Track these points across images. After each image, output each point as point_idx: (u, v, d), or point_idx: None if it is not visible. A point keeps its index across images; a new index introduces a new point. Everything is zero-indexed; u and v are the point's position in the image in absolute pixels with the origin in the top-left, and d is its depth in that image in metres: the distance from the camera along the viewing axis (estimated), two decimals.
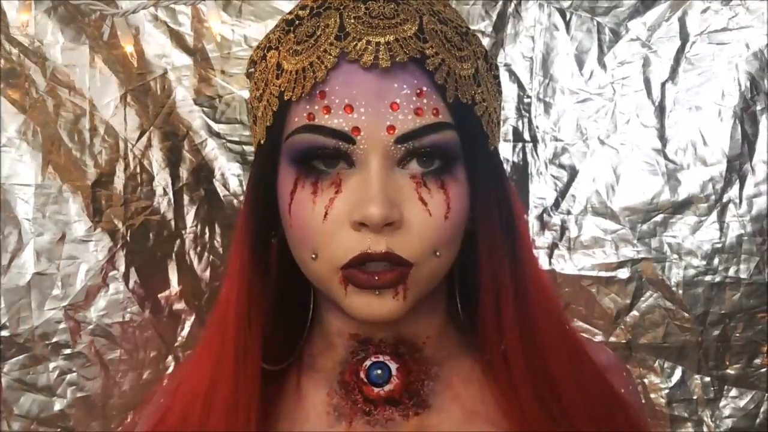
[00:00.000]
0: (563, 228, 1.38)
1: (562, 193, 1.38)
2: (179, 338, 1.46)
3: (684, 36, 1.35)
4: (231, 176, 1.45)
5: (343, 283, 0.75)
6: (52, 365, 1.43)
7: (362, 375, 0.79)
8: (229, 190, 1.45)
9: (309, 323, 0.85)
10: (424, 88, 0.74)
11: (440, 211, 0.75)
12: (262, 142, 0.79)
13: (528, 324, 0.80)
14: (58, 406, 1.43)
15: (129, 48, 1.42)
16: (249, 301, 0.80)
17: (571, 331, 0.86)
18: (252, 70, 0.81)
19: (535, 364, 0.79)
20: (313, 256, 0.75)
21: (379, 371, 0.79)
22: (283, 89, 0.75)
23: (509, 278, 0.80)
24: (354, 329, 0.81)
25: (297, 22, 0.76)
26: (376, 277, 0.73)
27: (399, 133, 0.73)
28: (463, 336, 0.85)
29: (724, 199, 1.35)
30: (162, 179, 1.45)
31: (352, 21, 0.73)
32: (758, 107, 1.34)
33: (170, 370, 1.45)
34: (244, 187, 1.44)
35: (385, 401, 0.79)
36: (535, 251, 1.30)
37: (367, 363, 0.79)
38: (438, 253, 0.75)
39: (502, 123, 0.82)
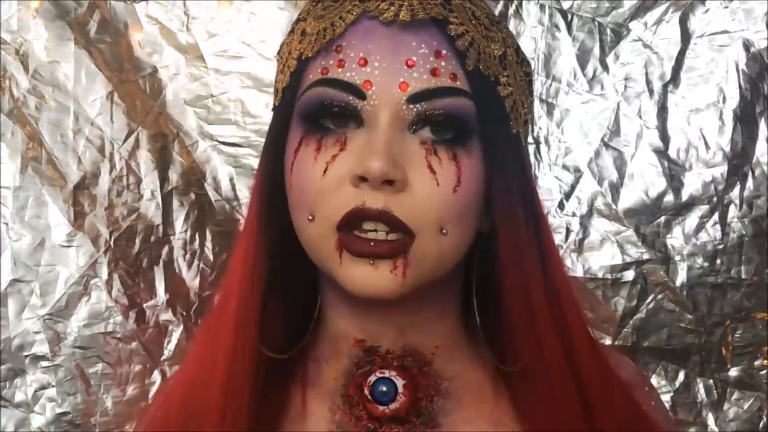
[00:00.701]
0: (568, 230, 1.37)
1: (567, 195, 1.37)
2: (166, 351, 1.39)
3: (685, 37, 1.36)
4: (224, 180, 1.39)
5: (338, 249, 0.71)
6: (29, 379, 1.34)
7: (366, 392, 0.75)
8: (221, 195, 1.40)
9: (316, 320, 0.81)
10: (444, 51, 0.72)
11: (449, 182, 0.72)
12: (276, 104, 0.78)
13: (562, 335, 0.76)
14: (36, 423, 1.34)
15: (138, 36, 1.36)
16: (251, 284, 0.76)
17: (597, 343, 0.83)
18: (279, 53, 0.80)
19: (567, 379, 0.75)
20: (310, 217, 0.72)
21: (384, 388, 0.75)
22: (302, 51, 0.74)
23: (540, 283, 0.76)
24: (358, 331, 0.78)
25: None
26: (372, 244, 0.70)
27: (412, 91, 0.71)
28: (475, 347, 0.81)
29: (726, 201, 1.36)
30: (150, 182, 1.39)
31: None
32: (758, 109, 1.35)
33: (156, 385, 1.37)
34: (237, 192, 1.40)
35: (390, 419, 0.74)
36: None
37: (372, 378, 0.75)
38: (444, 230, 0.72)
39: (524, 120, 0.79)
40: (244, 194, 1.39)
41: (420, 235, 0.71)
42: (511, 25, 1.37)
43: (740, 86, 1.35)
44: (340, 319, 0.79)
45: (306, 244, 0.75)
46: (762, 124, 1.36)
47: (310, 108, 0.73)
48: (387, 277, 0.71)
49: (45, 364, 1.35)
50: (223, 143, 1.39)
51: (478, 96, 0.73)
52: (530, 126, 0.84)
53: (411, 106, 0.71)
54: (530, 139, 1.35)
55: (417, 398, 0.75)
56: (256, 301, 0.76)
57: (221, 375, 0.75)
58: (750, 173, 1.36)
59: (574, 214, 1.36)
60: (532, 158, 1.37)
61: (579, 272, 1.35)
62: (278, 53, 0.81)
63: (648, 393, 0.87)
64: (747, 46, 1.35)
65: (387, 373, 0.75)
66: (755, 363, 1.37)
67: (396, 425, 0.74)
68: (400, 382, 0.75)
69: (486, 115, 0.74)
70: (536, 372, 0.76)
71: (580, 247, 1.36)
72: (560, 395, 0.75)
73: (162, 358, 1.38)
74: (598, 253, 1.36)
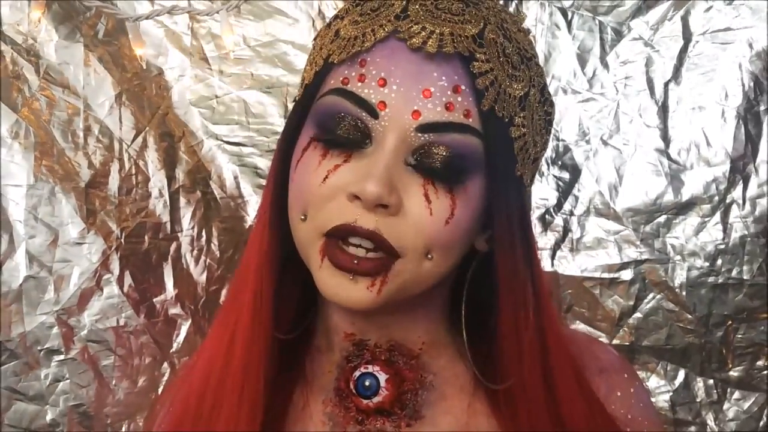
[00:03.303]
0: (566, 229, 1.37)
1: (565, 194, 1.37)
2: (175, 344, 1.43)
3: (687, 35, 1.34)
4: (228, 178, 1.42)
5: (321, 253, 0.73)
6: (44, 372, 1.39)
7: (351, 386, 0.77)
8: (226, 192, 1.43)
9: (316, 314, 0.83)
10: (462, 87, 0.73)
11: (443, 213, 0.73)
12: (297, 97, 0.80)
13: (545, 360, 0.78)
14: (50, 415, 1.39)
15: (140, 51, 1.40)
16: (266, 265, 0.78)
17: (579, 368, 0.84)
18: (315, 41, 0.82)
19: (546, 400, 0.78)
20: (303, 217, 0.74)
21: (367, 383, 0.77)
22: (330, 53, 0.76)
23: (530, 314, 0.78)
24: (348, 325, 0.80)
25: None
26: (356, 261, 0.72)
27: (423, 121, 0.72)
28: (458, 348, 0.82)
29: (728, 200, 1.35)
30: (158, 181, 1.43)
31: (417, 7, 0.74)
32: (762, 107, 1.33)
33: (166, 377, 1.42)
34: (242, 190, 1.42)
35: (375, 412, 0.77)
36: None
37: (357, 374, 0.77)
38: (430, 256, 0.73)
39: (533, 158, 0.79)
40: (248, 192, 1.42)
41: (405, 257, 0.73)
42: None
43: (743, 84, 1.33)
44: (333, 313, 0.82)
45: (295, 239, 0.77)
46: (767, 122, 1.34)
47: (323, 115, 0.75)
48: (362, 293, 0.73)
49: (59, 357, 1.40)
50: (228, 142, 1.42)
51: (488, 135, 0.74)
52: (540, 162, 0.83)
53: (419, 134, 0.72)
54: None
55: (402, 391, 0.77)
56: (271, 287, 0.79)
57: (239, 357, 0.78)
58: (754, 172, 1.34)
59: (572, 213, 1.37)
60: None
61: (576, 271, 1.35)
62: (314, 40, 0.82)
63: (627, 380, 0.87)
64: (750, 43, 1.33)
65: (370, 368, 0.78)
66: (757, 363, 1.36)
67: (381, 417, 0.77)
68: (382, 377, 0.77)
69: (494, 154, 0.74)
70: (522, 391, 0.78)
71: (577, 246, 1.36)
72: (534, 403, 0.78)
73: (171, 351, 1.43)
74: (595, 252, 1.36)
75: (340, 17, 0.78)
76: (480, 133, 0.73)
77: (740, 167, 1.34)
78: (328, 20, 0.81)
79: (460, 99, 0.72)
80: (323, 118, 0.74)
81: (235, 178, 1.42)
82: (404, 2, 0.74)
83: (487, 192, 0.75)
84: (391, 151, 0.72)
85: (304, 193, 0.74)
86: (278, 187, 0.80)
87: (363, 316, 0.79)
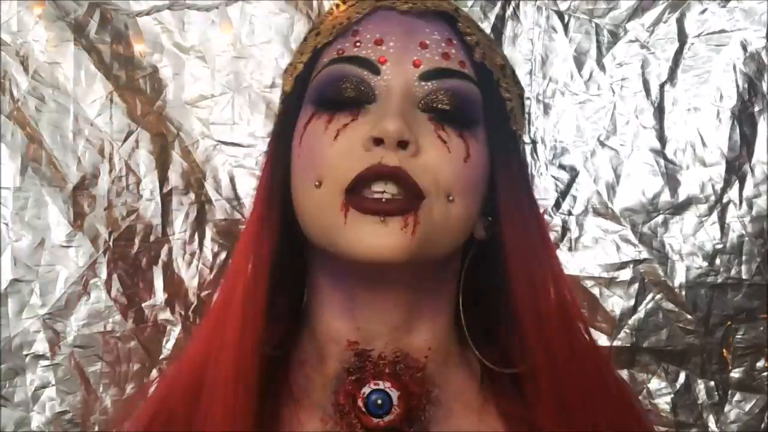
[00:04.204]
0: (564, 229, 1.36)
1: (563, 194, 1.37)
2: (164, 350, 1.39)
3: (682, 37, 1.36)
4: (224, 179, 1.40)
5: (344, 208, 0.70)
6: (29, 378, 1.34)
7: (360, 403, 0.73)
8: (221, 195, 1.40)
9: (300, 324, 0.80)
10: (454, 41, 0.75)
11: (460, 152, 0.73)
12: (288, 90, 0.78)
13: (562, 339, 0.76)
14: (35, 422, 1.34)
15: (139, 47, 1.38)
16: (257, 269, 0.76)
17: (593, 341, 0.83)
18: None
19: (565, 384, 0.75)
20: (317, 183, 0.72)
21: (379, 401, 0.73)
22: (317, 44, 0.76)
23: (546, 288, 0.76)
24: (352, 331, 0.77)
25: None
26: (383, 199, 0.70)
27: (424, 68, 0.73)
28: (463, 352, 0.80)
29: (724, 200, 1.36)
30: (149, 182, 1.40)
31: None
32: (756, 108, 1.35)
33: (155, 384, 1.37)
34: (238, 191, 1.40)
35: (384, 430, 0.74)
36: None
37: (366, 390, 0.74)
38: (451, 198, 0.72)
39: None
40: (245, 193, 1.39)
41: (429, 198, 0.71)
42: (509, 27, 1.39)
43: (738, 85, 1.35)
44: (334, 320, 0.78)
45: (307, 213, 0.74)
46: (762, 122, 1.35)
47: (323, 85, 0.74)
48: (397, 234, 0.69)
49: (45, 363, 1.35)
50: (224, 143, 1.40)
51: (483, 88, 0.75)
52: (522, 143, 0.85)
53: (423, 83, 0.73)
54: (526, 139, 1.37)
55: (410, 407, 0.74)
56: (262, 299, 0.75)
57: (227, 371, 0.74)
58: (750, 172, 1.36)
59: (570, 213, 1.36)
60: (528, 158, 1.37)
61: (575, 271, 1.35)
62: (285, 71, 0.81)
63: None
64: (744, 45, 1.35)
65: (381, 385, 0.74)
66: (757, 364, 1.36)
67: None
68: (395, 394, 0.73)
69: (490, 109, 0.76)
70: (539, 375, 0.75)
71: (576, 246, 1.36)
72: (568, 397, 0.75)
73: (161, 357, 1.39)
74: (593, 251, 1.36)
75: (314, 32, 0.79)
76: (476, 82, 0.75)
77: (736, 167, 1.35)
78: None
79: (453, 51, 0.75)
80: (323, 88, 0.74)
81: (231, 179, 1.40)
82: None
83: (488, 147, 0.76)
84: (399, 100, 0.72)
85: (315, 158, 0.72)
86: (272, 191, 0.77)
87: (373, 318, 0.76)
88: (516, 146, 0.80)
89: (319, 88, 0.75)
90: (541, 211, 0.86)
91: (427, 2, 0.75)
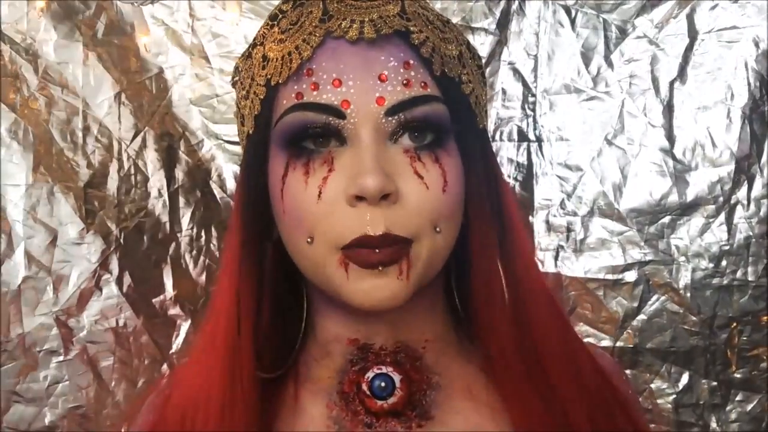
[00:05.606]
0: (569, 230, 1.35)
1: (568, 194, 1.35)
2: (174, 345, 1.42)
3: (692, 34, 1.33)
4: (228, 178, 1.41)
5: (343, 265, 0.73)
6: (43, 374, 1.38)
7: (365, 387, 0.77)
8: (226, 192, 1.42)
9: (303, 330, 0.82)
10: (411, 62, 0.74)
11: (437, 184, 0.74)
12: (250, 132, 0.78)
13: (522, 319, 0.79)
14: (49, 417, 1.38)
15: (144, 39, 1.38)
16: (240, 306, 0.77)
17: (567, 325, 0.85)
18: (236, 78, 0.81)
19: (533, 363, 0.78)
20: (309, 239, 0.74)
21: (382, 384, 0.77)
22: (269, 76, 0.75)
23: (501, 269, 0.79)
24: (352, 333, 0.79)
25: (280, 15, 0.77)
26: (377, 250, 0.72)
27: (389, 104, 0.73)
28: (462, 341, 0.82)
29: (732, 201, 1.33)
30: (157, 181, 1.41)
31: (335, 5, 0.74)
32: (767, 107, 1.32)
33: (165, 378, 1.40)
34: None
35: (387, 413, 0.77)
36: (538, 251, 1.29)
37: (370, 375, 0.77)
38: (438, 229, 0.74)
39: (502, 121, 0.82)
40: None
41: (417, 238, 0.73)
42: (514, 22, 1.36)
43: (749, 83, 1.32)
44: (333, 326, 0.81)
45: (305, 264, 0.76)
46: None
47: (289, 133, 0.74)
48: (395, 283, 0.72)
49: (58, 359, 1.39)
50: (228, 142, 1.41)
51: (448, 98, 0.76)
52: (488, 115, 0.87)
53: (390, 118, 0.73)
54: (532, 137, 1.35)
55: (412, 392, 0.77)
56: (249, 326, 0.77)
57: (217, 400, 0.76)
58: (758, 173, 1.33)
59: (575, 214, 1.35)
60: (533, 157, 1.36)
61: (579, 272, 1.34)
62: (233, 78, 0.82)
63: (624, 382, 0.89)
64: (756, 42, 1.31)
65: (384, 369, 0.77)
66: (760, 365, 1.35)
67: (392, 419, 0.76)
68: (397, 378, 0.77)
69: (457, 115, 0.76)
70: (505, 358, 0.78)
71: (581, 247, 1.35)
72: (530, 379, 0.77)
73: (171, 352, 1.42)
74: (599, 253, 1.35)
75: (258, 44, 0.78)
76: (441, 99, 0.75)
77: (745, 167, 1.33)
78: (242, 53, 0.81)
79: (413, 73, 0.74)
80: (290, 137, 0.74)
81: (235, 177, 1.41)
82: (321, 5, 0.74)
83: (459, 151, 0.77)
84: (370, 142, 0.72)
85: (304, 216, 0.73)
86: (250, 226, 0.79)
87: (372, 320, 0.79)
88: (483, 141, 0.82)
89: (285, 136, 0.75)
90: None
91: (376, 24, 0.73)
